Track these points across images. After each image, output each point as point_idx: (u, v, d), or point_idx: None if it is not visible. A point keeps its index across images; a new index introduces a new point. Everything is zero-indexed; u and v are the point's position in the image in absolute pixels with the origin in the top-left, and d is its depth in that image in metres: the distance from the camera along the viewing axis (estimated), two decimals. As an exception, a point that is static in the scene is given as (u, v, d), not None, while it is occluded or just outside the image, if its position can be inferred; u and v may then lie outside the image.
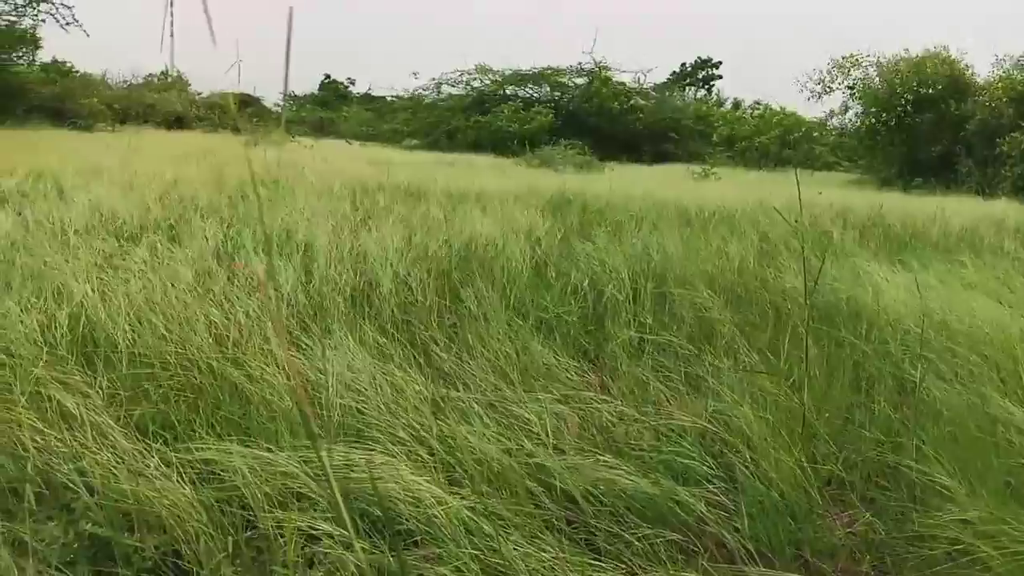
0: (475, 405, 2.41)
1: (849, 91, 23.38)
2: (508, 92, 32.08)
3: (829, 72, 23.25)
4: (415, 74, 38.66)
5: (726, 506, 2.13)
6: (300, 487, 1.87)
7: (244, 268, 3.56)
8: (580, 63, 31.84)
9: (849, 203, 9.92)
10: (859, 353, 3.20)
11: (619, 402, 2.66)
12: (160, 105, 31.36)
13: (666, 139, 30.91)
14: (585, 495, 2.10)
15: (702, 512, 2.10)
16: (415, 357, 2.93)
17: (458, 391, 2.59)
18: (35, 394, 2.31)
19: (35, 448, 2.03)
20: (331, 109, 41.75)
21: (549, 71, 31.98)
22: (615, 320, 3.58)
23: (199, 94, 36.74)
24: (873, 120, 21.58)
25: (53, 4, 23.86)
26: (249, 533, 1.85)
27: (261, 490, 1.84)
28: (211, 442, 2.07)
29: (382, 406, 2.32)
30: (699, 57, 46.12)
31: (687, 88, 44.17)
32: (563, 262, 4.43)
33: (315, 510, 1.80)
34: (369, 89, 44.54)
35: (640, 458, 2.38)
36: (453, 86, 32.95)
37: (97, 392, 2.33)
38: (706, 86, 45.62)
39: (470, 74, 32.63)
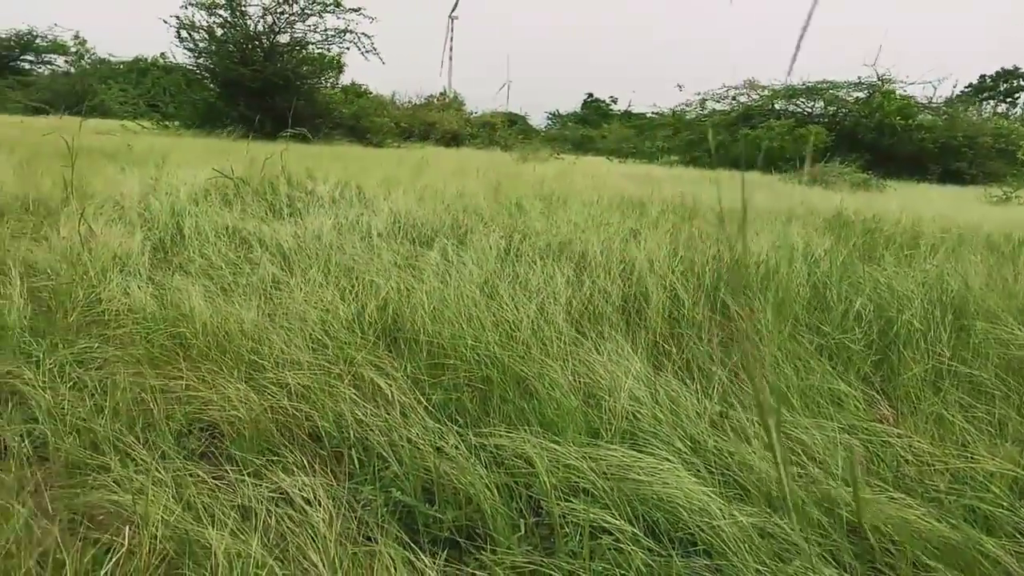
0: (754, 424, 2.35)
1: None
2: (778, 107, 30.74)
3: None
4: (679, 86, 38.51)
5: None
6: (584, 482, 1.95)
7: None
8: (859, 76, 29.68)
9: None
10: None
11: (913, 437, 2.44)
12: (439, 123, 34.14)
13: (957, 157, 27.73)
14: (873, 530, 1.96)
15: (1015, 569, 1.87)
16: (688, 370, 2.93)
17: (734, 409, 2.53)
18: (352, 373, 2.64)
19: (354, 420, 2.32)
20: (592, 126, 42.75)
21: (824, 85, 30.16)
22: (907, 351, 3.29)
23: (472, 113, 39.52)
24: None
25: (356, 35, 27.06)
26: (535, 519, 1.96)
27: (548, 480, 1.94)
28: (501, 430, 2.22)
29: (659, 415, 2.35)
30: (1002, 68, 40.91)
31: (986, 102, 39.36)
32: (844, 285, 4.15)
33: (598, 505, 1.86)
34: (630, 106, 45.04)
35: (936, 500, 2.17)
36: (718, 101, 32.26)
37: (403, 376, 2.60)
38: (1008, 100, 40.36)
39: (737, 89, 31.75)
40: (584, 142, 38.19)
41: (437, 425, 2.25)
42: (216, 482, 1.92)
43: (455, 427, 2.28)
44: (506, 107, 46.58)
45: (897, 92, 28.93)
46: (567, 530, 1.83)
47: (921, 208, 9.21)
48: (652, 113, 37.66)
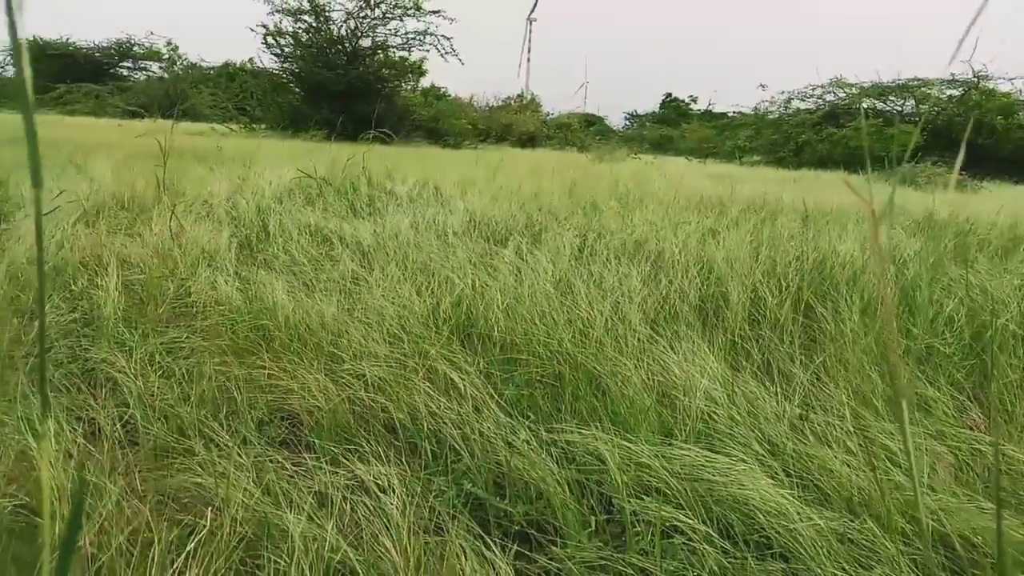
0: (835, 428, 2.27)
1: None
2: (866, 106, 29.65)
3: None
4: (763, 85, 37.57)
5: None
6: (657, 481, 1.92)
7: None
8: (953, 73, 28.31)
9: None
10: None
11: (1007, 446, 2.32)
12: (516, 125, 34.29)
13: (1063, 159, 26.14)
14: (962, 541, 1.86)
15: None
16: (767, 371, 2.85)
17: (815, 412, 2.45)
18: (427, 367, 2.67)
19: (427, 412, 2.35)
20: (671, 126, 42.18)
21: (915, 82, 28.93)
22: (1002, 356, 3.12)
23: (549, 114, 39.56)
24: None
25: (436, 36, 27.43)
26: (606, 516, 1.94)
27: (620, 477, 1.92)
28: (573, 426, 2.21)
29: (735, 416, 2.29)
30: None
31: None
32: (936, 288, 3.97)
33: (671, 505, 1.83)
34: (711, 106, 44.25)
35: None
36: (803, 100, 31.34)
37: (475, 371, 2.62)
38: None
39: (823, 87, 30.77)
40: (662, 142, 37.71)
41: (509, 420, 2.26)
42: (295, 468, 1.98)
43: (527, 422, 2.28)
44: (583, 108, 46.46)
45: (996, 90, 27.50)
46: (638, 528, 1.81)
47: (1020, 210, 8.72)
48: (733, 112, 36.92)
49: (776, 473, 2.03)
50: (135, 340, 2.93)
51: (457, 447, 2.18)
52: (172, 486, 1.96)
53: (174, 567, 1.55)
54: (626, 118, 50.03)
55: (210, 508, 1.76)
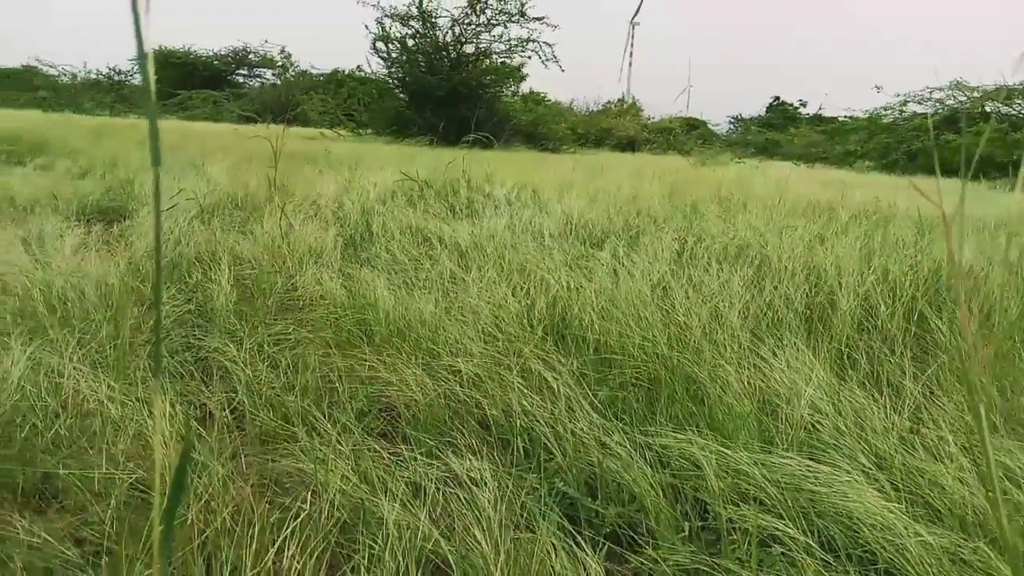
0: (949, 443, 2.14)
1: None
2: (988, 109, 27.84)
3: None
4: (877, 88, 35.77)
5: None
6: (755, 489, 1.86)
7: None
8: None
9: None
10: None
11: None
12: (615, 129, 34.01)
13: None
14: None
15: None
16: (875, 382, 2.72)
17: (927, 427, 2.32)
18: (520, 366, 2.68)
19: (521, 410, 2.36)
20: (778, 131, 40.87)
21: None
22: None
23: (650, 119, 39.07)
24: None
25: (538, 43, 27.53)
26: (701, 523, 1.90)
27: (716, 484, 1.87)
28: (668, 430, 2.17)
29: (841, 427, 2.19)
30: None
31: None
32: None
33: (770, 514, 1.77)
34: (820, 110, 42.64)
35: None
36: (920, 103, 29.72)
37: (568, 371, 2.61)
38: None
39: (942, 90, 29.10)
40: (769, 146, 36.55)
41: (602, 420, 2.24)
42: (391, 458, 2.02)
43: (620, 424, 2.25)
44: (685, 112, 45.61)
45: None
46: (734, 536, 1.76)
47: None
48: (845, 116, 35.41)
49: (883, 487, 1.93)
50: (244, 331, 3.07)
51: (549, 445, 2.18)
52: (275, 470, 2.04)
53: (274, 546, 1.61)
54: (730, 122, 48.75)
55: (310, 492, 1.83)
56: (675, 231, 5.28)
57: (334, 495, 1.79)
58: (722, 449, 1.96)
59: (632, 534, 1.90)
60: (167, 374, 2.67)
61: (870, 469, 2.01)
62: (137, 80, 39.19)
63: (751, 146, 36.81)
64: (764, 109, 47.59)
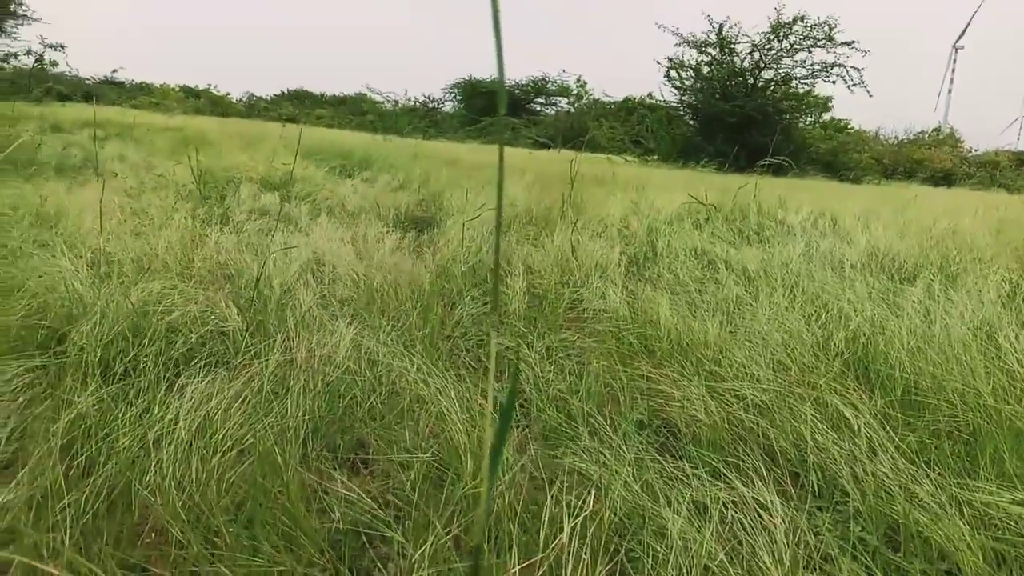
0: None
1: None
2: None
3: None
4: None
5: None
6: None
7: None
8: None
9: None
10: None
11: None
12: (929, 161, 30.82)
13: None
14: None
15: None
16: None
17: None
18: (814, 399, 2.50)
19: (814, 444, 2.19)
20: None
21: None
22: None
23: (971, 151, 34.84)
24: None
25: (845, 68, 25.81)
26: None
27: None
28: (992, 486, 1.88)
29: None
30: None
31: None
32: None
33: None
34: None
35: None
36: None
37: (870, 410, 2.37)
38: None
39: None
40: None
41: (910, 467, 2.00)
42: (673, 471, 1.98)
43: (932, 473, 2.00)
44: (1015, 145, 39.93)
45: None
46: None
47: None
48: None
49: None
50: (533, 335, 3.22)
51: (846, 486, 2.00)
52: (560, 467, 2.10)
53: (557, 539, 1.65)
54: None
55: (592, 492, 1.85)
56: (1005, 271, 4.61)
57: (615, 499, 1.79)
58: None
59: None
60: (463, 366, 2.87)
61: None
62: (447, 108, 43.28)
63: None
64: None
